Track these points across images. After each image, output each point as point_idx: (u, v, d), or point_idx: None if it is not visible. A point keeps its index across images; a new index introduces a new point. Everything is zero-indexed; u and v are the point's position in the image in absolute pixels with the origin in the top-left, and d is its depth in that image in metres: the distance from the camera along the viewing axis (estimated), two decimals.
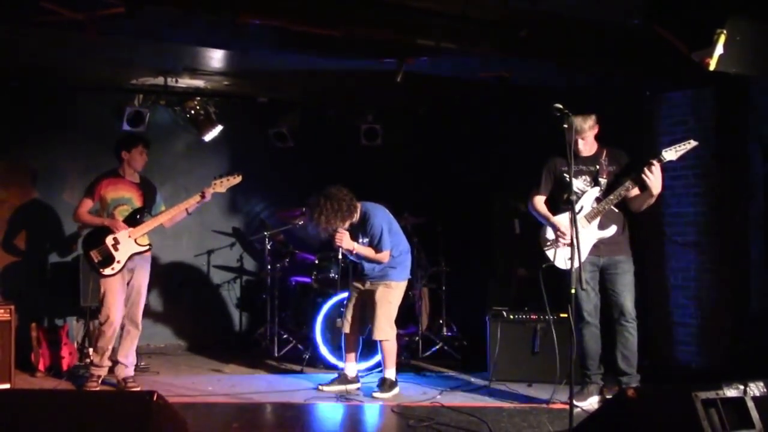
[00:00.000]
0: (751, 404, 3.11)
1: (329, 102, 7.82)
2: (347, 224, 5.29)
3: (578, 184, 4.84)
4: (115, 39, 5.15)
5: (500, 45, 5.19)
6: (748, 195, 5.46)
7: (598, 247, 4.85)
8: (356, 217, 5.32)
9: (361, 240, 5.38)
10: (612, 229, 4.79)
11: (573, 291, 4.09)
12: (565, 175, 4.79)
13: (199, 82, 6.84)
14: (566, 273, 4.53)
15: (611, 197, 4.72)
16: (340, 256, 5.52)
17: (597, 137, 4.91)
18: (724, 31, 4.07)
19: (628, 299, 4.86)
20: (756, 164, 5.37)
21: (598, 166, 4.86)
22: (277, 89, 7.39)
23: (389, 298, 5.38)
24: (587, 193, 4.85)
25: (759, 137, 5.33)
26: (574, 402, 4.09)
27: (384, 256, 5.32)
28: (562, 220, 4.80)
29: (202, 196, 5.43)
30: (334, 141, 7.86)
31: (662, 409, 3.04)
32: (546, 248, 4.90)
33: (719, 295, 5.67)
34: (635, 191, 4.73)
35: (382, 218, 5.37)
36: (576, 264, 4.05)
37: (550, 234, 4.91)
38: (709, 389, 3.06)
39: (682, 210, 5.72)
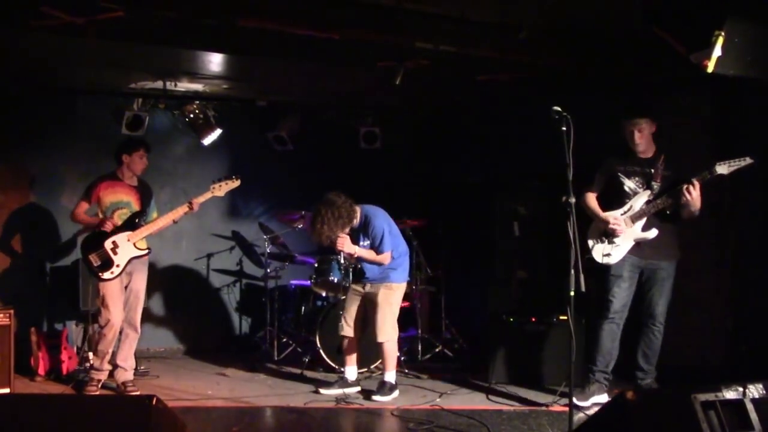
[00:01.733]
0: (750, 406, 3.10)
1: (328, 105, 7.82)
2: (348, 229, 5.30)
3: (630, 184, 4.95)
4: (115, 43, 5.16)
5: (500, 47, 5.20)
6: (746, 194, 5.46)
7: (643, 249, 4.91)
8: (356, 221, 5.33)
9: (362, 243, 5.38)
10: (653, 232, 4.85)
11: (572, 293, 4.08)
12: (619, 174, 4.96)
13: (198, 86, 6.84)
14: (604, 269, 4.88)
15: (658, 202, 4.81)
16: (341, 260, 5.52)
17: (655, 139, 4.95)
18: (723, 33, 4.07)
19: (660, 305, 4.95)
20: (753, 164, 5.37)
21: (653, 170, 4.90)
22: (276, 93, 7.39)
23: (390, 299, 5.39)
24: (638, 195, 4.92)
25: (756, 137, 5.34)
26: (574, 401, 4.09)
27: (386, 257, 5.33)
28: (611, 215, 4.93)
29: (190, 207, 5.41)
30: (333, 144, 7.86)
31: (661, 411, 3.04)
32: (590, 240, 5.00)
33: (719, 295, 5.66)
34: (684, 199, 4.72)
35: (383, 220, 5.40)
36: (575, 264, 4.04)
37: (596, 228, 5.01)
38: (708, 391, 3.05)
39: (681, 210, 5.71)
